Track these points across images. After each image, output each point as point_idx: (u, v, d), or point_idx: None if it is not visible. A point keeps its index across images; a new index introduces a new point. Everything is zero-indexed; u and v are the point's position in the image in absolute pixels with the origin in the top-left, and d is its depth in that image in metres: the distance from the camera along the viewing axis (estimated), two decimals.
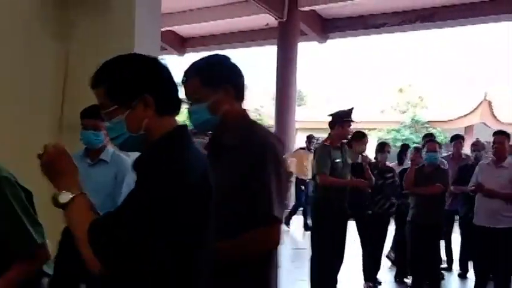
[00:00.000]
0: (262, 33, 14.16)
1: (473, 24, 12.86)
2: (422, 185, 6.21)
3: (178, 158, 1.70)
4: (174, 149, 1.72)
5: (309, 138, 11.91)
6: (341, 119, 6.07)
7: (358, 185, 6.18)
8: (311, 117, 19.80)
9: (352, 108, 6.17)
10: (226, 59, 2.36)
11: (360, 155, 6.69)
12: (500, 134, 6.26)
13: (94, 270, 1.64)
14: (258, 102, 25.19)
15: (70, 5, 4.96)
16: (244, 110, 2.41)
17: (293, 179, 11.73)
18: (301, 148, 12.03)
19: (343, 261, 6.36)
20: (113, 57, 1.82)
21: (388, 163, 7.27)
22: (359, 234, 6.84)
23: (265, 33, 14.01)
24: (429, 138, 7.06)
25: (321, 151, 6.27)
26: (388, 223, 6.85)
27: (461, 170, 7.01)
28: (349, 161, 6.12)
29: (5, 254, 2.25)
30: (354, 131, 6.50)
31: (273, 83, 13.38)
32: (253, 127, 2.34)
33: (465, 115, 19.71)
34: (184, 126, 1.84)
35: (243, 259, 2.19)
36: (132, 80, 1.76)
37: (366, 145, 6.80)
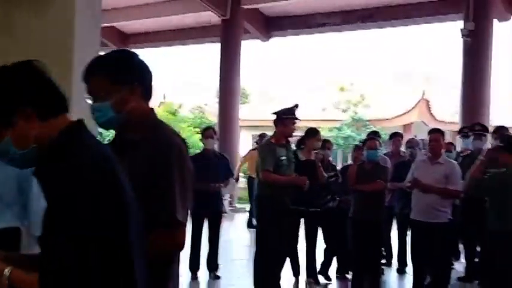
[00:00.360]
0: (205, 30, 14.10)
1: (413, 24, 13.19)
2: (363, 181, 6.33)
3: (72, 155, 1.63)
4: (65, 148, 1.66)
5: (261, 137, 11.95)
6: (284, 116, 6.13)
7: (297, 183, 6.09)
8: (254, 115, 19.86)
9: (296, 106, 6.21)
10: (134, 55, 2.29)
11: (314, 153, 6.72)
12: (435, 132, 6.49)
13: None
14: (202, 100, 25.11)
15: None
16: (151, 108, 2.35)
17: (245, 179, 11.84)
18: (253, 149, 12.04)
19: (288, 257, 6.46)
20: None
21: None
22: (305, 230, 6.88)
23: (209, 31, 13.96)
24: (372, 136, 7.18)
25: (265, 148, 6.35)
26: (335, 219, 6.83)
27: (397, 167, 7.18)
28: (292, 158, 6.15)
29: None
30: (296, 128, 6.37)
31: (216, 80, 13.37)
32: (158, 126, 2.29)
33: (404, 113, 20.15)
34: (78, 122, 1.75)
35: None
36: (4, 97, 1.68)
37: (319, 142, 6.85)
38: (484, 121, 8.75)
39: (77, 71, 4.43)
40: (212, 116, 23.23)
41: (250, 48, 13.18)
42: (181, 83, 30.42)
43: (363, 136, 18.62)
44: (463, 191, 5.98)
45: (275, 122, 6.25)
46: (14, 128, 1.67)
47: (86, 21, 4.78)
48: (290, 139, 6.35)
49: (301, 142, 6.89)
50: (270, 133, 7.09)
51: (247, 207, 13.93)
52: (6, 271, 1.66)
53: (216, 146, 7.24)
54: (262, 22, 13.47)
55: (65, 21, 4.68)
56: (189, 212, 2.29)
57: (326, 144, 7.22)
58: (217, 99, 25.88)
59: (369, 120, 20.16)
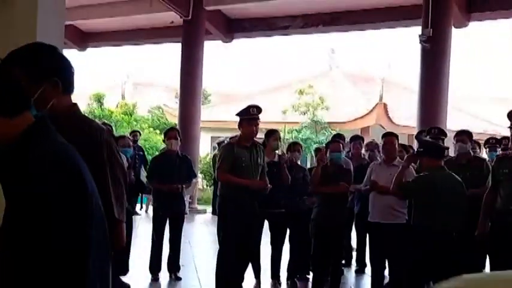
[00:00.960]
0: (167, 30, 14.04)
1: (374, 28, 13.43)
2: (326, 184, 6.41)
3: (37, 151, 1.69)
4: (30, 145, 1.71)
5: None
6: (241, 117, 6.13)
7: (251, 186, 5.98)
8: (214, 116, 19.86)
9: (255, 106, 6.17)
10: (54, 49, 2.27)
11: (277, 155, 6.73)
12: (389, 136, 6.67)
13: None
14: (161, 100, 24.93)
15: None
16: (75, 104, 2.37)
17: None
18: None
19: (251, 259, 6.47)
20: None
21: None
22: (270, 232, 6.91)
23: (170, 31, 13.90)
24: (336, 139, 7.26)
25: (224, 149, 6.39)
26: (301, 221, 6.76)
27: (357, 169, 7.27)
28: (261, 161, 6.13)
29: None
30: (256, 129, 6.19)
31: (174, 80, 13.31)
32: (86, 123, 2.32)
33: (362, 116, 20.41)
34: (37, 122, 1.79)
35: None
36: None
37: (277, 141, 6.84)
38: (440, 125, 8.96)
39: None
40: (171, 117, 23.11)
41: (211, 50, 13.12)
42: (138, 83, 30.15)
43: (322, 138, 18.89)
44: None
45: (239, 123, 6.28)
46: None
47: (49, 19, 4.72)
48: None
49: (264, 144, 6.92)
50: (228, 134, 7.07)
51: (208, 208, 13.98)
52: None
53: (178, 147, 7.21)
54: (224, 23, 13.49)
55: (28, 20, 4.63)
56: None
57: (294, 146, 7.25)
58: (176, 100, 25.91)
59: (328, 123, 20.38)
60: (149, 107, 25.19)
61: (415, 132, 7.32)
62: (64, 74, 2.26)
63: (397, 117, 20.43)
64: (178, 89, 25.76)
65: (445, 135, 7.39)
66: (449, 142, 7.00)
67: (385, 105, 20.09)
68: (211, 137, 22.06)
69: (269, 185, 6.15)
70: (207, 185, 15.68)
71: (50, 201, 1.60)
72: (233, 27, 13.57)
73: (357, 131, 18.74)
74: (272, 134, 6.87)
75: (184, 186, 7.07)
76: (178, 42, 13.27)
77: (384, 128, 19.81)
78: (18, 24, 4.60)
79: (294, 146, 7.25)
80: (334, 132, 19.63)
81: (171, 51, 15.30)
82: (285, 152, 7.30)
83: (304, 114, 20.77)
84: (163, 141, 7.31)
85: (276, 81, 24.98)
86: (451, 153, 6.61)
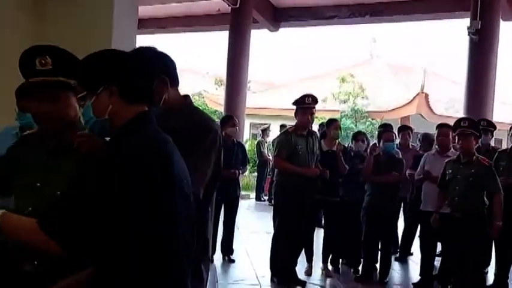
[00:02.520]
0: (213, 18, 14.22)
1: (420, 20, 13.42)
2: (379, 173, 6.58)
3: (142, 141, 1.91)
4: (131, 133, 1.93)
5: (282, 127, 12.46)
6: (296, 106, 6.33)
7: (306, 174, 6.18)
8: (253, 103, 20.04)
9: (310, 96, 6.33)
10: (155, 50, 2.49)
11: (336, 143, 6.88)
12: (444, 127, 6.76)
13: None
14: (202, 86, 25.17)
15: None
16: (186, 95, 2.58)
17: None
18: None
19: (305, 244, 6.68)
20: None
21: None
22: (324, 219, 7.09)
23: (217, 19, 14.08)
24: (386, 128, 7.38)
25: (281, 137, 6.62)
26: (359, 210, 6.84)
27: (416, 159, 7.27)
28: (316, 150, 6.32)
29: None
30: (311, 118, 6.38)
31: (216, 67, 13.42)
32: (197, 112, 2.53)
33: (402, 106, 20.39)
34: (146, 112, 2.01)
35: None
36: (97, 71, 1.97)
37: (337, 130, 6.94)
38: (487, 117, 8.99)
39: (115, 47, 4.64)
40: (211, 103, 23.37)
41: (256, 38, 13.24)
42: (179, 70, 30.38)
43: (362, 127, 18.93)
44: None
45: (294, 113, 6.48)
46: (97, 97, 1.96)
47: (124, 2, 4.92)
48: None
49: (324, 133, 7.10)
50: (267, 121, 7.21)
51: (251, 194, 14.25)
52: None
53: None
54: (271, 12, 13.60)
55: (103, 5, 4.83)
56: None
57: (358, 136, 7.38)
58: (216, 86, 26.11)
59: (367, 112, 20.41)
60: (190, 93, 25.43)
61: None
62: (169, 70, 2.48)
63: (438, 107, 20.36)
64: (217, 75, 26.15)
65: (494, 127, 7.45)
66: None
67: (426, 95, 20.00)
68: (250, 124, 22.31)
69: (327, 171, 6.36)
70: (249, 171, 15.90)
71: (133, 176, 1.81)
72: (280, 17, 13.67)
73: (397, 120, 18.77)
74: (332, 123, 7.03)
75: (240, 171, 7.33)
76: (225, 30, 13.43)
77: (424, 118, 19.78)
78: (95, 12, 4.85)
79: (357, 136, 7.39)
80: (374, 122, 19.86)
81: (210, 38, 15.49)
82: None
83: (345, 102, 20.83)
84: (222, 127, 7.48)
85: (317, 70, 24.99)
86: (504, 145, 6.70)
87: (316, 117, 7.40)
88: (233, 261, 7.33)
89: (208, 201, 2.51)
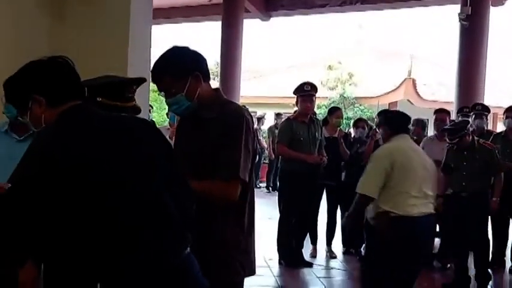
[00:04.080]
0: (205, 8, 14.29)
1: (411, 6, 13.63)
2: None
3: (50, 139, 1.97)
4: (50, 132, 2.01)
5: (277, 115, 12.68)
6: (295, 94, 6.53)
7: (308, 160, 6.35)
8: (244, 92, 20.16)
9: (309, 83, 6.53)
10: (187, 49, 2.63)
11: (339, 130, 7.10)
12: (441, 112, 7.00)
13: None
14: None
15: None
16: (217, 89, 2.75)
17: None
18: None
19: (309, 227, 6.91)
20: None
21: None
22: (327, 202, 7.30)
23: (209, 9, 14.17)
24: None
25: (283, 124, 6.84)
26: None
27: None
28: (318, 136, 6.52)
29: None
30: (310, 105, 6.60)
31: (206, 57, 13.45)
32: (228, 102, 2.69)
33: (390, 92, 20.65)
34: (75, 107, 2.08)
35: (212, 209, 2.52)
36: (20, 89, 2.11)
37: (339, 118, 7.20)
38: (478, 101, 9.22)
39: (132, 47, 4.78)
40: None
41: (247, 28, 13.33)
42: None
43: (350, 114, 19.17)
44: None
45: (295, 101, 6.69)
46: (30, 112, 2.10)
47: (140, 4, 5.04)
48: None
49: (325, 120, 7.32)
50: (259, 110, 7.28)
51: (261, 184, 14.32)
52: None
53: None
54: (262, 2, 13.69)
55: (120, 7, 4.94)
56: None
57: (359, 123, 7.57)
58: (212, 76, 26.13)
59: (356, 98, 20.68)
60: None
61: (443, 107, 7.52)
62: (202, 67, 2.62)
63: (425, 93, 20.66)
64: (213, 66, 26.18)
65: (489, 111, 7.67)
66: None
67: (413, 80, 20.27)
68: None
69: (325, 158, 6.56)
70: None
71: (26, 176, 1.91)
72: (271, 6, 13.75)
73: (385, 106, 19.06)
74: (334, 111, 7.27)
75: None
76: (217, 20, 13.53)
77: (411, 103, 20.07)
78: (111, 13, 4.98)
79: (358, 123, 7.60)
80: (362, 108, 20.13)
81: (200, 29, 15.53)
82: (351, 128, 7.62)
83: (333, 89, 21.08)
84: None
85: (305, 58, 25.15)
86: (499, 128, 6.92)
87: None
88: None
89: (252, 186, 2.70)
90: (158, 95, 2.88)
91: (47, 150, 1.92)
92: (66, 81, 2.12)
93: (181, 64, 2.57)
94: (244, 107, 3.56)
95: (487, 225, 6.09)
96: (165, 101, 2.65)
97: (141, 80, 2.88)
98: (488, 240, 6.22)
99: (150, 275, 1.96)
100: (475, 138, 5.95)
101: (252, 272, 2.72)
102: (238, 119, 2.55)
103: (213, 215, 2.55)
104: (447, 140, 5.95)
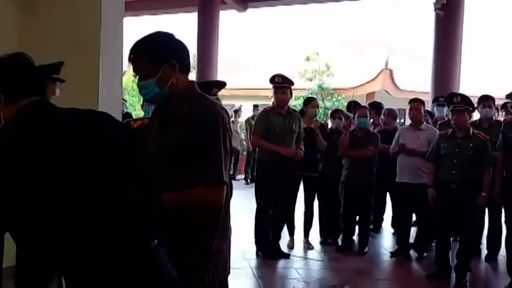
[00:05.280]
0: (181, 0, 14.21)
1: None
2: (355, 148, 6.82)
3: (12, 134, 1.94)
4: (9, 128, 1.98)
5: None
6: (272, 85, 6.51)
7: (282, 153, 6.32)
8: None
9: (279, 75, 6.53)
10: (170, 36, 2.53)
11: (315, 121, 7.08)
12: (416, 101, 7.02)
13: None
14: None
15: None
16: (192, 81, 2.64)
17: None
18: None
19: (286, 219, 6.90)
20: None
21: None
22: (304, 194, 7.28)
23: (184, 1, 14.08)
24: (357, 105, 7.64)
25: (259, 115, 6.86)
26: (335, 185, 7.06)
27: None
28: (296, 128, 6.48)
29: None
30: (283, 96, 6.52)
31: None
32: (201, 97, 2.56)
33: (367, 82, 20.74)
34: (35, 102, 2.06)
35: (188, 212, 2.44)
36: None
37: (315, 108, 7.16)
38: (454, 91, 9.28)
39: (103, 38, 4.71)
40: None
41: (224, 20, 13.29)
42: None
43: (328, 104, 19.21)
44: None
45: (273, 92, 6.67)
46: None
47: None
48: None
49: (302, 111, 7.30)
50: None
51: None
52: None
53: None
54: None
55: None
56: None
57: (336, 114, 7.55)
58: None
59: (333, 89, 20.72)
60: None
61: (420, 97, 7.53)
62: (180, 57, 2.53)
63: (402, 83, 20.77)
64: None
65: (468, 103, 7.66)
66: None
67: (390, 71, 20.37)
68: None
69: (301, 152, 6.54)
70: None
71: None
72: None
73: (363, 96, 19.11)
74: (309, 101, 7.27)
75: None
76: (193, 12, 13.46)
77: (389, 94, 20.18)
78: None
79: (335, 114, 7.58)
80: (340, 99, 20.17)
81: (175, 21, 15.45)
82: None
83: (311, 80, 21.10)
84: None
85: (283, 49, 25.09)
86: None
87: None
88: None
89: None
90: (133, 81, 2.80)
91: (10, 145, 1.89)
92: (25, 78, 2.11)
93: (160, 48, 2.48)
94: (218, 99, 3.50)
95: (475, 216, 6.05)
96: (136, 84, 2.56)
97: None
98: (475, 232, 6.24)
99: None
100: (470, 127, 5.91)
101: (225, 272, 2.68)
102: (215, 118, 2.45)
103: (187, 215, 2.47)
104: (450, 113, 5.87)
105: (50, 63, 3.71)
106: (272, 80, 6.53)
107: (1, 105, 2.05)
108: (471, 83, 18.53)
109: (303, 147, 6.54)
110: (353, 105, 7.71)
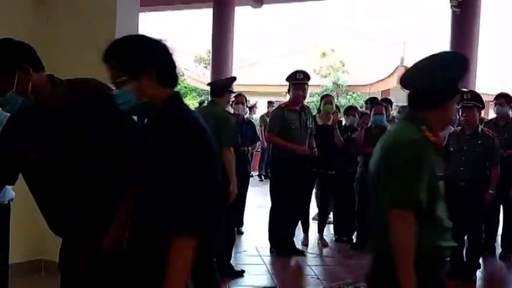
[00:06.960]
0: None
1: None
2: (371, 145, 6.75)
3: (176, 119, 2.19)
4: (171, 112, 2.20)
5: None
6: (288, 81, 6.50)
7: (296, 151, 6.32)
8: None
9: (301, 72, 6.51)
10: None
11: (331, 116, 7.03)
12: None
13: None
14: (182, 64, 25.07)
15: None
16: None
17: None
18: None
19: (302, 216, 6.90)
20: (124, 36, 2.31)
21: None
22: (321, 191, 7.29)
23: None
24: (375, 101, 7.58)
25: (274, 112, 6.83)
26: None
27: None
28: (309, 124, 6.48)
29: None
30: (302, 93, 6.57)
31: (196, 45, 13.23)
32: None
33: (383, 79, 20.62)
34: (177, 94, 2.28)
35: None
36: (139, 56, 2.19)
37: (331, 104, 7.10)
38: (470, 88, 9.19)
39: (119, 35, 4.69)
40: (192, 81, 23.36)
41: (239, 16, 13.23)
42: None
43: (343, 101, 19.12)
44: None
45: (288, 89, 6.65)
46: (138, 81, 2.16)
47: None
48: None
49: (319, 108, 7.29)
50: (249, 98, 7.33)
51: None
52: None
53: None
54: None
55: None
56: None
57: (350, 110, 7.54)
58: (196, 64, 25.99)
59: (348, 86, 20.63)
60: None
61: None
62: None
63: None
64: (197, 53, 26.03)
65: (479, 100, 7.61)
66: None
67: (406, 68, 20.17)
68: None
69: (315, 150, 6.52)
70: None
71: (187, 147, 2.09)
72: None
73: (378, 93, 19.01)
74: (324, 97, 7.24)
75: (250, 148, 7.41)
76: (208, 8, 13.39)
77: (404, 91, 20.04)
78: None
79: (349, 110, 7.57)
80: (355, 96, 20.08)
81: (188, 17, 15.39)
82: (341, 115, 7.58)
83: (326, 77, 21.01)
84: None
85: (298, 45, 25.04)
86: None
87: None
88: (242, 233, 7.42)
89: None
90: None
91: (200, 124, 2.20)
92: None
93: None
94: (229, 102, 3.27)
95: (482, 214, 6.01)
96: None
97: None
98: (481, 229, 6.18)
99: None
100: (479, 125, 5.89)
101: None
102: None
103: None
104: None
105: (226, 78, 3.76)
106: (293, 76, 6.50)
107: (28, 77, 2.25)
108: (487, 80, 18.38)
109: (314, 144, 6.52)
110: (370, 102, 7.67)
